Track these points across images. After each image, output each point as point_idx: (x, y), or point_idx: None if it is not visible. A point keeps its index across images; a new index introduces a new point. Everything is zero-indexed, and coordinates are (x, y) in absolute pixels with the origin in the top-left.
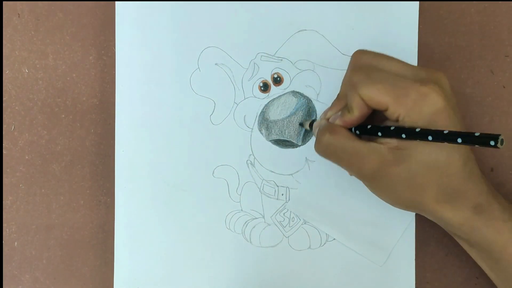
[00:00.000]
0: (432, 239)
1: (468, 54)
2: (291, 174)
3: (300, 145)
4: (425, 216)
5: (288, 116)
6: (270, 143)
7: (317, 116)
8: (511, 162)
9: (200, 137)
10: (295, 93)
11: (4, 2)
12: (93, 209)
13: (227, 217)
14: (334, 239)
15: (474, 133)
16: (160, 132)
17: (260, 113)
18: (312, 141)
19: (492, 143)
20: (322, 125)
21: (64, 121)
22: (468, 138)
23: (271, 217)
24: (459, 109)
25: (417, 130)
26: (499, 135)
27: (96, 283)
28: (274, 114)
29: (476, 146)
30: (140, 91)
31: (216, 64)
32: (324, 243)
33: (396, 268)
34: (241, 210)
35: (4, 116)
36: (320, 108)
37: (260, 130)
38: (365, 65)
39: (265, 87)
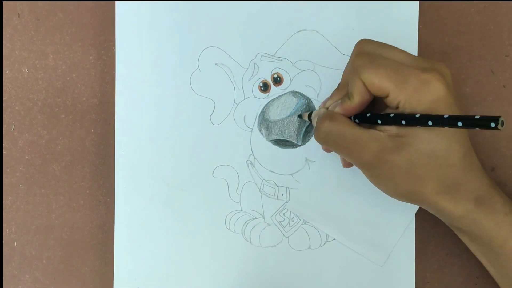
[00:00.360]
0: (432, 239)
1: (468, 54)
2: (291, 174)
3: (300, 145)
4: (426, 208)
5: (288, 116)
6: (270, 143)
7: None
8: (511, 162)
9: (200, 137)
10: (295, 93)
11: (4, 2)
12: (93, 209)
13: (227, 217)
14: (334, 239)
15: (475, 116)
16: (160, 132)
17: (260, 113)
18: (312, 141)
19: (492, 125)
20: (321, 113)
21: (64, 121)
22: (469, 121)
23: (271, 217)
24: (459, 103)
25: (417, 116)
26: (499, 116)
27: (96, 283)
28: (274, 114)
29: (477, 129)
30: (140, 91)
31: (216, 64)
32: (324, 243)
33: (396, 268)
34: (241, 210)
35: (4, 116)
36: None
37: (260, 130)
38: (368, 51)
39: (265, 87)
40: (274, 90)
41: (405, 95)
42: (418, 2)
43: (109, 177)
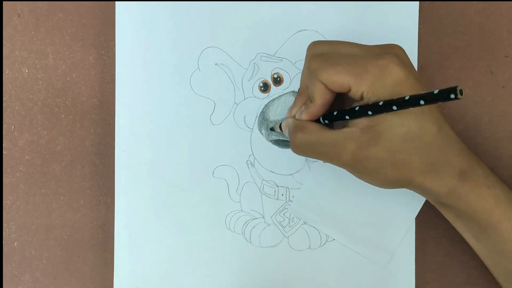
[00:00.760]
0: (432, 239)
1: (468, 54)
2: (291, 174)
3: None
4: (413, 190)
5: None
6: (270, 143)
7: None
8: (511, 162)
9: (200, 137)
10: (295, 93)
11: (4, 2)
12: (93, 209)
13: (227, 217)
14: (334, 239)
15: (433, 91)
16: (160, 132)
17: (260, 113)
18: None
19: (452, 96)
20: (290, 125)
21: (64, 121)
22: (430, 97)
23: (271, 217)
24: (423, 80)
25: (380, 103)
26: (457, 86)
27: (96, 283)
28: (274, 114)
29: (439, 103)
30: (140, 91)
31: (216, 64)
32: (324, 243)
33: (396, 268)
34: (241, 210)
35: (4, 116)
36: None
37: (260, 130)
38: (321, 52)
39: (265, 87)
40: (274, 90)
41: (366, 85)
42: (418, 2)
43: (109, 177)
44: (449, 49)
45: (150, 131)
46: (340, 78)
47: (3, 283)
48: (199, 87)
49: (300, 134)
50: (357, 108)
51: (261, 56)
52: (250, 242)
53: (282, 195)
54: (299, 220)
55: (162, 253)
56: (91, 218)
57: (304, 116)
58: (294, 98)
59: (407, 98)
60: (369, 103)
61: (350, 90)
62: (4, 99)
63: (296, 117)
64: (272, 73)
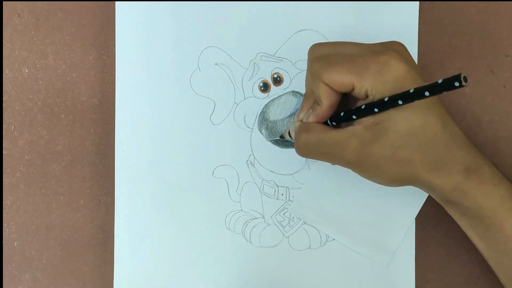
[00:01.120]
0: (433, 239)
1: (468, 54)
2: (291, 174)
3: None
4: (420, 188)
5: (288, 116)
6: (270, 143)
7: None
8: (511, 162)
9: (200, 137)
10: (295, 93)
11: (4, 2)
12: (93, 209)
13: (227, 217)
14: (334, 239)
15: (437, 81)
16: (160, 132)
17: (260, 113)
18: None
19: (456, 84)
20: (297, 127)
21: (64, 121)
22: (434, 88)
23: (271, 217)
24: (424, 74)
25: (386, 99)
26: (460, 74)
27: (96, 283)
28: (274, 114)
29: (445, 92)
30: (140, 91)
31: (216, 64)
32: (324, 243)
33: (396, 268)
34: (241, 210)
35: (4, 116)
36: None
37: (260, 130)
38: (322, 54)
39: (265, 87)
40: (274, 90)
41: (369, 82)
42: (418, 2)
43: (109, 177)
44: (450, 48)
45: (150, 131)
46: (342, 78)
47: (3, 283)
48: (199, 87)
49: (304, 135)
50: (363, 107)
51: (261, 56)
52: (250, 242)
53: (282, 195)
54: (299, 220)
55: (162, 253)
56: (91, 218)
57: (312, 119)
58: (294, 98)
59: (411, 91)
60: (375, 101)
61: (353, 89)
62: (4, 99)
63: (304, 120)
64: (272, 73)
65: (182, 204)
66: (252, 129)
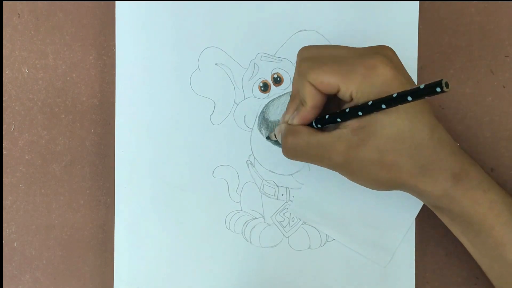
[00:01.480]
0: (432, 239)
1: (468, 54)
2: (291, 174)
3: None
4: (408, 192)
5: None
6: (270, 143)
7: None
8: (511, 162)
9: (200, 137)
10: None
11: (4, 2)
12: (93, 209)
13: (227, 217)
14: (334, 239)
15: (419, 86)
16: (160, 132)
17: (260, 113)
18: None
19: (438, 89)
20: (283, 130)
21: (64, 121)
22: (416, 93)
23: (271, 217)
24: (422, 78)
25: (370, 103)
26: (441, 80)
27: (96, 283)
28: (274, 114)
29: (426, 97)
30: (140, 91)
31: (216, 64)
32: (324, 243)
33: (396, 268)
34: (241, 210)
35: (4, 116)
36: None
37: (260, 130)
38: (310, 56)
39: (265, 87)
40: (274, 90)
41: (355, 85)
42: (418, 2)
43: (109, 177)
44: (450, 49)
45: (150, 131)
46: (327, 78)
47: (3, 283)
48: (199, 87)
49: (291, 138)
50: (347, 110)
51: (261, 56)
52: (250, 242)
53: (282, 195)
54: (299, 220)
55: (162, 253)
56: (91, 218)
57: (296, 120)
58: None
59: (394, 95)
60: (359, 104)
61: (339, 91)
62: (4, 99)
63: (289, 122)
64: (272, 73)
65: (182, 204)
66: (252, 129)
